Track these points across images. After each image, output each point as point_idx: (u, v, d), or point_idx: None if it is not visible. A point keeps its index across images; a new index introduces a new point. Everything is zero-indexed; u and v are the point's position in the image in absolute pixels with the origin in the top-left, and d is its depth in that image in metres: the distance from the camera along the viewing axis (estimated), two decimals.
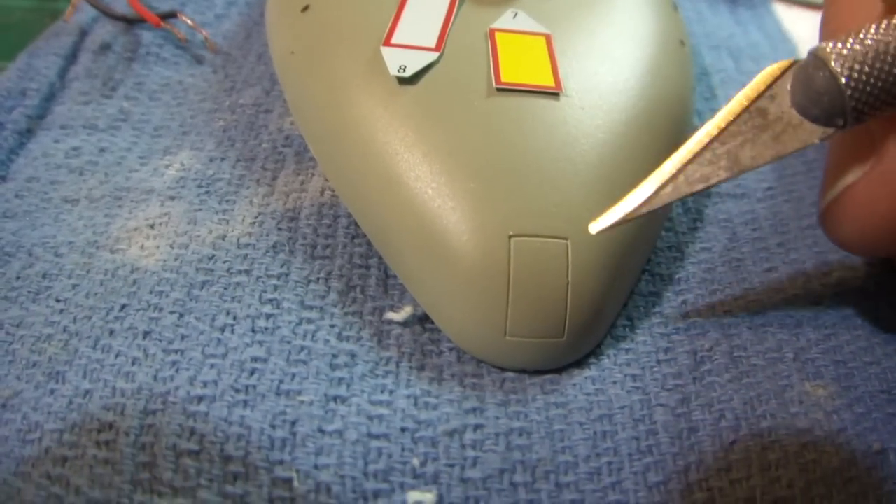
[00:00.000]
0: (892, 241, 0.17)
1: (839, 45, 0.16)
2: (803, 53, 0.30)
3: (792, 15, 0.33)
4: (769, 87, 0.17)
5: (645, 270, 0.21)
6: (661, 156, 0.20)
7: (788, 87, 0.17)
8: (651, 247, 0.21)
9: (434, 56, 0.20)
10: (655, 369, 0.19)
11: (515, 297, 0.18)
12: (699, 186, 0.16)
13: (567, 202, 0.18)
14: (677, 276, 0.21)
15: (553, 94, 0.20)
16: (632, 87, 0.21)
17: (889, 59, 0.15)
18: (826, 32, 0.19)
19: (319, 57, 0.22)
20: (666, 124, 0.21)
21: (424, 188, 0.18)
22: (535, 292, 0.18)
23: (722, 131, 0.17)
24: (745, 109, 0.17)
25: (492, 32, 0.21)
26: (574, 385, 0.18)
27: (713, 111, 0.27)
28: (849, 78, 0.15)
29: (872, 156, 0.17)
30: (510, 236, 0.18)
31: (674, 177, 0.17)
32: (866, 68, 0.15)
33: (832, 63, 0.16)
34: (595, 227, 0.17)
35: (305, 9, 0.23)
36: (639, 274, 0.21)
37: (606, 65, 0.21)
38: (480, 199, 0.18)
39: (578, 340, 0.18)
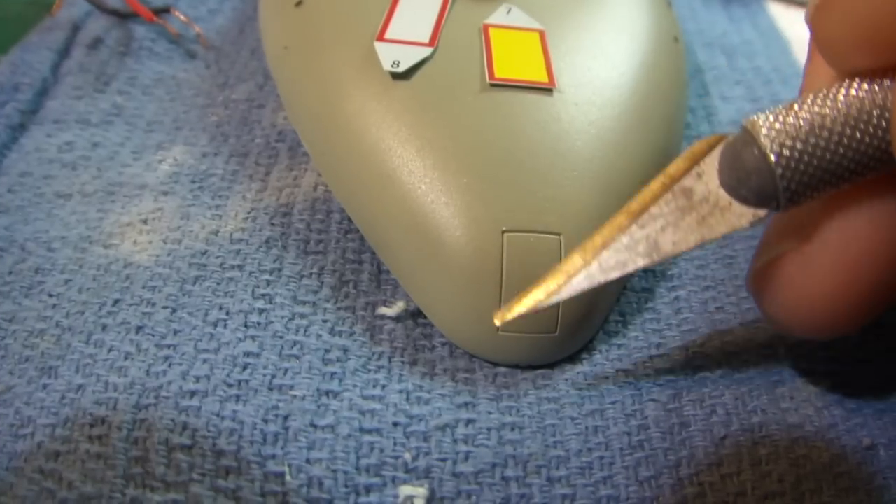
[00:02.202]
0: (811, 323, 0.16)
1: (771, 117, 0.14)
2: (797, 52, 0.30)
3: (785, 13, 0.33)
4: (695, 164, 0.15)
5: None
6: (653, 152, 0.20)
7: (717, 166, 0.15)
8: None
9: (428, 51, 0.20)
10: (647, 365, 0.19)
11: (508, 292, 0.18)
12: (614, 274, 0.15)
13: (560, 197, 0.18)
14: (670, 273, 0.21)
15: (547, 89, 0.20)
16: (625, 83, 0.21)
17: (825, 134, 0.14)
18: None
19: (313, 52, 0.22)
20: (659, 121, 0.21)
21: (417, 183, 0.18)
22: (528, 287, 0.18)
23: (641, 213, 0.15)
24: (668, 189, 0.15)
25: (485, 28, 0.21)
26: (566, 380, 0.19)
27: (706, 108, 0.27)
28: (779, 155, 0.14)
29: (803, 231, 0.16)
30: (503, 231, 0.18)
31: (587, 263, 0.15)
32: (798, 144, 0.14)
33: (762, 138, 0.14)
34: (503, 316, 0.15)
35: (299, 3, 0.23)
36: None
37: (600, 61, 0.21)
38: (474, 195, 0.18)
39: (571, 336, 0.19)
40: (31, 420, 0.17)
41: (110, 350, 0.18)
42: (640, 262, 0.15)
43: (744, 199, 0.15)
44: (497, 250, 0.18)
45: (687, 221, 0.15)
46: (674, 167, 0.15)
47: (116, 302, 0.19)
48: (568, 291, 0.15)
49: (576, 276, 0.15)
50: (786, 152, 0.14)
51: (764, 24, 0.32)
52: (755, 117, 0.14)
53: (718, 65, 0.29)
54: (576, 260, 0.15)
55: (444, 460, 0.17)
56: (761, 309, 0.17)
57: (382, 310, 0.20)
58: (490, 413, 0.18)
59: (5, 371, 0.18)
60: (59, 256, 0.21)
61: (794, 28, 0.32)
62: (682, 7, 0.32)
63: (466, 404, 0.18)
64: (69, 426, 0.17)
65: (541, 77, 0.20)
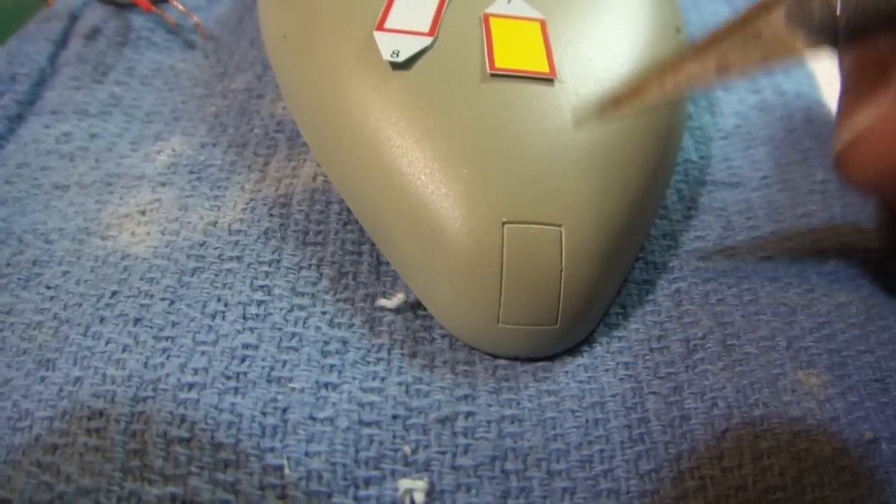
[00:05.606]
0: None
1: None
2: None
3: None
4: (764, 7, 0.17)
5: (639, 258, 0.21)
6: (654, 143, 0.20)
7: (783, 10, 0.17)
8: (645, 235, 0.21)
9: (428, 41, 0.20)
10: (648, 357, 0.19)
11: (508, 283, 0.18)
12: (686, 86, 0.17)
13: (561, 189, 0.18)
14: (671, 265, 0.21)
15: (547, 79, 0.20)
16: (627, 73, 0.21)
17: None
18: None
19: (312, 41, 0.21)
20: (660, 111, 0.21)
21: (417, 174, 0.18)
22: (528, 279, 0.18)
23: (712, 42, 0.17)
24: (738, 24, 0.17)
25: (486, 17, 0.21)
26: (566, 373, 0.18)
27: (708, 99, 0.27)
28: None
29: (887, 94, 0.16)
30: (503, 223, 0.18)
31: (661, 78, 0.17)
32: None
33: None
34: (580, 121, 0.17)
35: None
36: (632, 262, 0.21)
37: (601, 51, 0.21)
38: (474, 186, 0.18)
39: (571, 328, 0.18)
40: (28, 413, 0.17)
41: (108, 342, 0.18)
42: (709, 78, 0.17)
43: (807, 31, 0.16)
44: (497, 242, 0.18)
45: (754, 49, 0.17)
46: (744, 11, 0.17)
47: (114, 294, 0.19)
48: (641, 99, 0.17)
49: (650, 88, 0.17)
50: None
51: None
52: None
53: None
54: (652, 72, 0.17)
55: (443, 453, 0.17)
56: (851, 182, 0.18)
57: (382, 301, 0.19)
58: (490, 406, 0.18)
59: (3, 364, 0.18)
60: (57, 248, 0.21)
61: None
62: None
63: (466, 397, 0.18)
64: (67, 419, 0.17)
65: (542, 67, 0.20)
